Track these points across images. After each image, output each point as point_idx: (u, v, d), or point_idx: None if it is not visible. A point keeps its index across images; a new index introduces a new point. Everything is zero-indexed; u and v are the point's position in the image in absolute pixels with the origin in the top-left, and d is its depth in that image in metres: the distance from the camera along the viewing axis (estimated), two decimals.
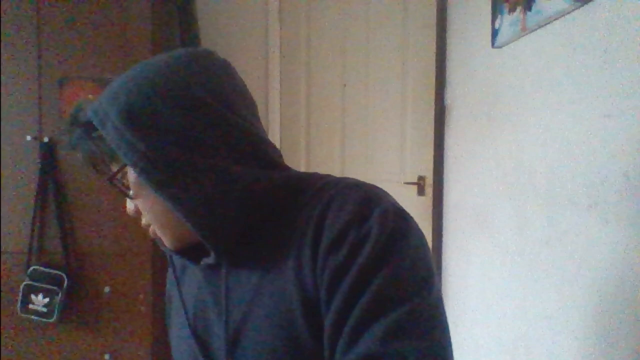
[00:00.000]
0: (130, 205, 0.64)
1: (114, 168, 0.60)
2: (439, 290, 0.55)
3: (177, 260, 0.74)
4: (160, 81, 0.56)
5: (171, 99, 0.55)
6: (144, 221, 0.64)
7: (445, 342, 0.51)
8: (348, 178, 0.62)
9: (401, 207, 0.58)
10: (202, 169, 0.55)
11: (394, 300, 0.50)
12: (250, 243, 0.60)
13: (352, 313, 0.50)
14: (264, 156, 0.60)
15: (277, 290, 0.56)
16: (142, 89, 0.56)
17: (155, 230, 0.63)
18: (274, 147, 0.63)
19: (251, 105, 0.63)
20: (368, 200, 0.55)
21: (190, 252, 0.65)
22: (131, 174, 0.60)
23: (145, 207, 0.61)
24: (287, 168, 0.65)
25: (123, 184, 0.61)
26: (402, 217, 0.55)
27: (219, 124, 0.57)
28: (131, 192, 0.61)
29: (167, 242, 0.64)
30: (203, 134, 0.56)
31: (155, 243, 0.69)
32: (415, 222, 0.57)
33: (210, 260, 0.61)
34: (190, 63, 0.59)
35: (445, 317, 0.54)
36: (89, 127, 0.59)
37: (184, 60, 0.59)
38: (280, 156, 0.64)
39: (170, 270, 0.75)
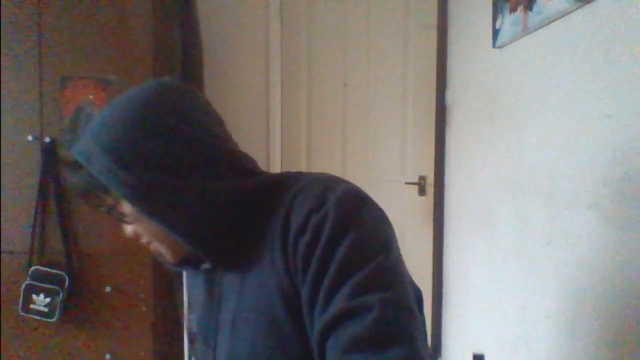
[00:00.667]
0: (128, 229, 0.70)
1: (109, 199, 0.66)
2: (398, 253, 0.62)
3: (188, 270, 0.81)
4: (137, 116, 0.62)
5: (149, 131, 0.61)
6: (143, 241, 0.71)
7: (405, 292, 0.58)
8: (313, 174, 0.69)
9: (358, 189, 0.65)
10: (186, 191, 0.62)
11: (356, 264, 0.57)
12: (235, 246, 0.67)
13: (323, 284, 0.57)
14: (238, 167, 0.67)
15: (258, 283, 0.64)
16: (121, 126, 0.61)
17: (157, 246, 0.70)
18: (247, 156, 0.70)
19: (220, 122, 0.70)
20: (325, 190, 0.62)
21: (192, 259, 0.72)
22: (126, 204, 0.65)
23: (143, 229, 0.68)
24: (261, 173, 0.71)
25: (119, 212, 0.67)
26: (357, 197, 0.63)
27: (195, 146, 0.63)
28: (130, 217, 0.67)
29: (169, 256, 0.71)
30: (182, 158, 0.62)
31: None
32: (372, 201, 0.65)
33: (207, 265, 0.70)
34: (160, 95, 0.64)
35: (406, 274, 0.62)
36: (76, 165, 0.65)
37: (154, 93, 0.64)
38: (254, 164, 0.71)
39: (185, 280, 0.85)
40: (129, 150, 0.60)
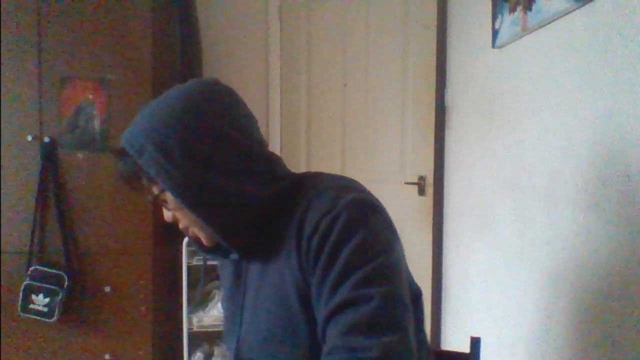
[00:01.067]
0: (168, 214, 0.77)
1: (155, 188, 0.73)
2: (399, 257, 0.70)
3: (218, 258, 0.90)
4: (188, 116, 0.68)
5: (198, 132, 0.68)
6: (181, 225, 0.78)
7: (401, 289, 0.66)
8: (330, 179, 0.77)
9: (368, 197, 0.72)
10: (225, 190, 0.69)
11: (360, 262, 0.65)
12: (259, 242, 0.76)
13: (329, 277, 0.65)
14: (270, 171, 0.75)
15: (277, 275, 0.73)
16: (173, 125, 0.68)
17: (195, 231, 0.77)
18: (276, 158, 0.77)
19: (255, 122, 0.76)
20: (336, 197, 0.70)
21: (222, 247, 0.81)
22: (170, 193, 0.72)
23: (182, 216, 0.76)
24: (287, 175, 0.78)
25: (163, 199, 0.74)
26: (365, 205, 0.70)
27: (236, 149, 0.70)
28: (171, 206, 0.74)
29: (204, 239, 0.78)
30: (224, 160, 0.69)
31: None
32: (380, 209, 0.72)
33: (235, 256, 0.80)
34: (206, 97, 0.71)
35: (405, 274, 0.70)
36: (124, 153, 0.70)
37: (200, 94, 0.71)
38: (282, 165, 0.78)
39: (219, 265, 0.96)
40: (179, 148, 0.67)
